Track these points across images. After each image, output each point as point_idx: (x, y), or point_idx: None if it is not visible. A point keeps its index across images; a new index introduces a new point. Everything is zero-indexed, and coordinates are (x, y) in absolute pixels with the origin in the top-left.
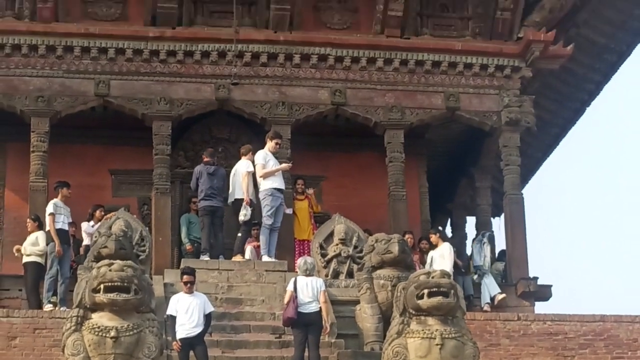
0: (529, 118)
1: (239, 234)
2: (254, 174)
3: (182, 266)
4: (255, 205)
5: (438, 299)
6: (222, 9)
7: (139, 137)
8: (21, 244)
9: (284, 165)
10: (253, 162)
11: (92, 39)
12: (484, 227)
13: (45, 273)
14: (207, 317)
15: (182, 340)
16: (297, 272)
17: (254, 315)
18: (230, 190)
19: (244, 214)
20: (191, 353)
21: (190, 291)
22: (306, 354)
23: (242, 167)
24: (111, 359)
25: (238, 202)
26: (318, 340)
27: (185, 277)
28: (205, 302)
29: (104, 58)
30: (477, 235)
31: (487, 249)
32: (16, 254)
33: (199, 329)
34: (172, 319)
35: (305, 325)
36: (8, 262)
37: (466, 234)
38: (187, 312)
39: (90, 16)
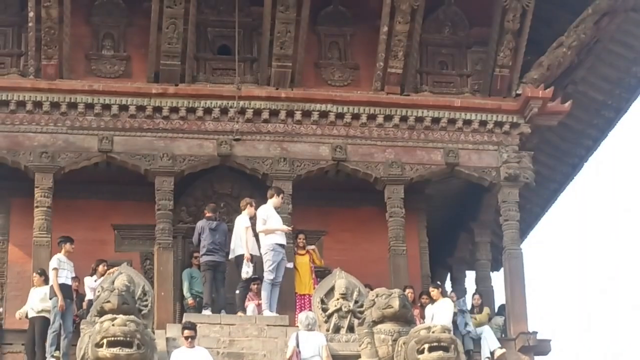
0: (527, 174)
1: (237, 291)
2: (254, 229)
3: (184, 320)
4: (257, 259)
5: (438, 354)
6: (224, 66)
7: (142, 193)
8: (24, 298)
9: (284, 227)
10: (253, 215)
11: (96, 96)
12: (483, 282)
13: (49, 327)
14: None
15: None
16: (298, 326)
17: None
18: (233, 246)
19: (247, 272)
20: None
21: (191, 345)
22: None
23: (240, 222)
24: None
25: (240, 258)
26: None
27: (186, 331)
28: (206, 356)
29: (107, 114)
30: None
31: (467, 316)
32: (19, 319)
33: None
34: None
35: None
36: (11, 316)
37: (465, 288)
38: None
39: (94, 73)
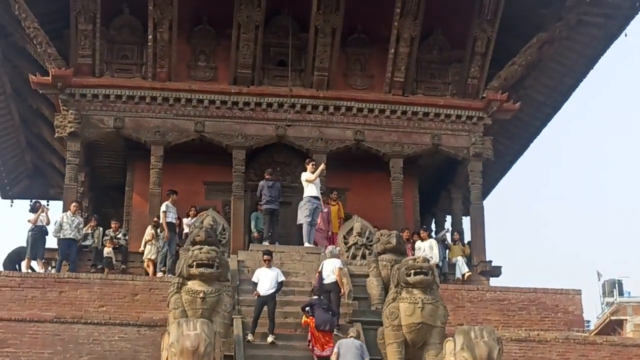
0: (488, 152)
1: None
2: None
3: (250, 249)
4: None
5: (421, 277)
6: (281, 74)
7: (223, 160)
8: (142, 231)
9: (322, 165)
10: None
11: (193, 93)
12: (456, 225)
13: (159, 252)
14: (279, 284)
15: (260, 297)
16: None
17: (297, 283)
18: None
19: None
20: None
21: (269, 266)
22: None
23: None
24: (199, 313)
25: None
26: (337, 301)
27: (265, 256)
28: (279, 273)
29: (201, 106)
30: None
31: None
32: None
33: (272, 291)
34: (254, 284)
35: (327, 291)
36: (133, 242)
37: (445, 228)
38: (266, 279)
39: (192, 77)
